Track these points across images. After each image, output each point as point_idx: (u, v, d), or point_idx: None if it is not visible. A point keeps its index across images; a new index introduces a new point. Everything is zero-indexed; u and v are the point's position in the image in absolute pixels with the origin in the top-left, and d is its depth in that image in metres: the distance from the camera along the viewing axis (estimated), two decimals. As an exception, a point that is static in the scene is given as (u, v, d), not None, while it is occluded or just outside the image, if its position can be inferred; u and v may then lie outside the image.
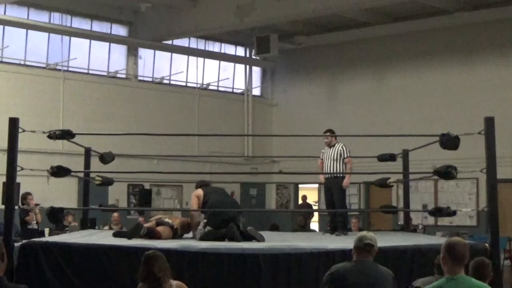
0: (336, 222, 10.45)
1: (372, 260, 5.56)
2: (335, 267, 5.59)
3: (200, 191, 8.93)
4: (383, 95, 20.45)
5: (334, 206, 10.44)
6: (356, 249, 5.55)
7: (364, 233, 5.73)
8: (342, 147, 10.38)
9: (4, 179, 7.16)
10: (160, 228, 8.75)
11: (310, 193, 21.50)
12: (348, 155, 10.33)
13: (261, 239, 8.26)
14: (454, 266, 4.45)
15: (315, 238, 9.73)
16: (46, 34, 18.26)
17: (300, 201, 21.21)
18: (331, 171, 10.32)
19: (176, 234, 8.82)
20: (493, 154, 7.44)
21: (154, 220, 9.16)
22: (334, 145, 10.43)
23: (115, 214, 14.27)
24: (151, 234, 8.48)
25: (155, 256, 5.39)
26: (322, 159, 10.59)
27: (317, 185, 20.70)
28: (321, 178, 10.74)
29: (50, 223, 10.32)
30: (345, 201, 10.76)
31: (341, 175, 10.32)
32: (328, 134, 10.54)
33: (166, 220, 8.94)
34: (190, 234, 8.97)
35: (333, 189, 10.39)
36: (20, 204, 11.76)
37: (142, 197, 19.14)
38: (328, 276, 5.53)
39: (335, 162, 10.31)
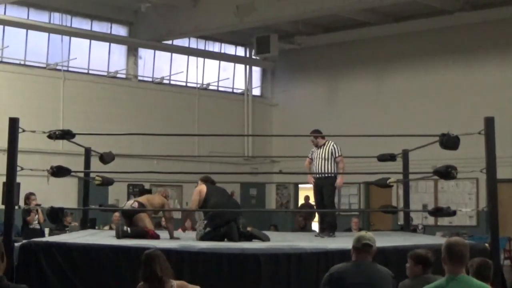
0: (324, 223, 10.22)
1: (371, 260, 5.57)
2: (334, 268, 5.60)
3: (203, 187, 8.80)
4: (383, 95, 20.44)
5: (324, 207, 10.17)
6: (354, 249, 5.55)
7: (362, 233, 5.73)
8: (333, 145, 10.05)
9: (4, 179, 7.16)
10: (146, 222, 8.85)
11: (311, 193, 21.44)
12: (339, 154, 10.00)
13: (265, 238, 8.26)
14: (455, 266, 4.44)
15: (315, 238, 9.73)
16: (46, 34, 18.23)
17: (301, 201, 21.05)
18: (322, 171, 9.99)
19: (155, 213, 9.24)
20: (493, 154, 7.44)
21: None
22: (324, 145, 10.09)
23: (116, 214, 14.28)
24: (140, 233, 8.53)
25: (156, 255, 5.38)
26: (311, 159, 10.27)
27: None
28: (310, 179, 10.37)
29: (50, 223, 10.33)
30: (335, 201, 10.42)
31: (332, 175, 10.02)
32: (314, 135, 10.15)
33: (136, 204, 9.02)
34: (190, 234, 8.97)
35: (324, 189, 10.06)
36: (22, 204, 11.77)
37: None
38: (328, 277, 5.54)
39: (325, 161, 9.98)
